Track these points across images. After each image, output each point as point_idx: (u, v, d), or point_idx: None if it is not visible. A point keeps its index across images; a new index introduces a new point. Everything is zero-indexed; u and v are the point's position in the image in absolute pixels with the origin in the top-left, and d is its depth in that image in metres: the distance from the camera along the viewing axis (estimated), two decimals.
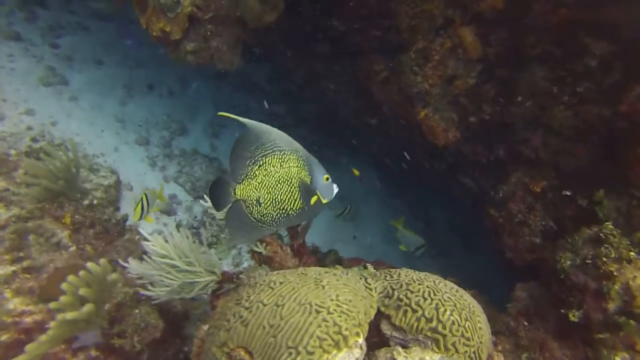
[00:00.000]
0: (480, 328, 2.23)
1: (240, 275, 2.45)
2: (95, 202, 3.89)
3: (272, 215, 1.80)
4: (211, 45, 3.25)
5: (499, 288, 4.82)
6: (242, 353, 2.01)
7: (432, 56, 3.10)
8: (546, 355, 2.38)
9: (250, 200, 1.78)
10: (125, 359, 2.67)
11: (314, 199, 1.83)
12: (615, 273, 2.25)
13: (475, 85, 3.14)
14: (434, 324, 2.11)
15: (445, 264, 5.47)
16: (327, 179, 1.84)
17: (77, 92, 4.70)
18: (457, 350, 2.09)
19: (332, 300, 2.08)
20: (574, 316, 2.30)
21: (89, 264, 2.52)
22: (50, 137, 4.15)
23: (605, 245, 2.34)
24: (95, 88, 4.88)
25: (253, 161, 1.74)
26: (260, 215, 1.80)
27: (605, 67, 2.70)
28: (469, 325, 2.18)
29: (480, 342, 2.21)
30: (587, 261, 2.34)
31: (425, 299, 2.20)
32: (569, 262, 2.42)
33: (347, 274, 2.31)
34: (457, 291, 2.34)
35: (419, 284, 2.26)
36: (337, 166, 5.69)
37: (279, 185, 1.76)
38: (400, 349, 2.05)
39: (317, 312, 2.02)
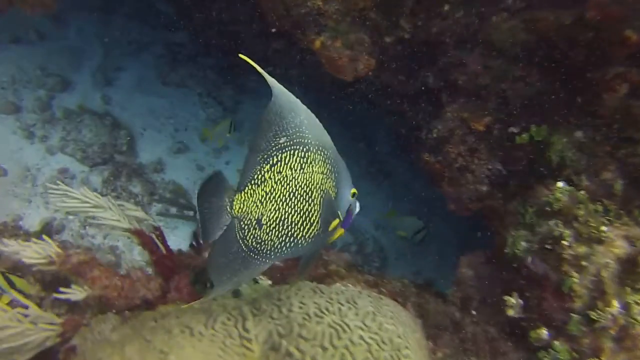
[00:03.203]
0: None
1: (75, 344, 1.66)
2: None
3: (273, 243, 1.16)
4: None
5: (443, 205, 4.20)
6: None
7: None
8: None
9: (249, 219, 1.15)
10: None
11: (334, 224, 1.21)
12: (583, 262, 1.53)
13: None
14: None
15: (392, 187, 4.78)
16: (354, 194, 1.25)
17: None
18: None
19: None
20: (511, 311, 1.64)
21: None
22: None
23: (561, 221, 1.59)
24: None
25: (265, 156, 1.13)
26: (257, 243, 1.16)
27: None
28: None
29: None
30: (547, 246, 1.60)
31: (325, 349, 1.46)
32: (523, 244, 1.69)
33: (215, 322, 1.55)
34: (374, 314, 1.61)
35: (318, 322, 1.51)
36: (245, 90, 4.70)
37: (294, 199, 1.15)
38: None
39: None
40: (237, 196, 1.15)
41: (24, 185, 3.45)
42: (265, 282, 1.86)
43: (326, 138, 1.17)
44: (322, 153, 1.16)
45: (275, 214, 1.15)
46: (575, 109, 1.90)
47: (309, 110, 1.13)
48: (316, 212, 1.17)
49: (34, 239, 1.70)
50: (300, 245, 1.19)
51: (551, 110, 1.96)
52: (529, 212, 1.71)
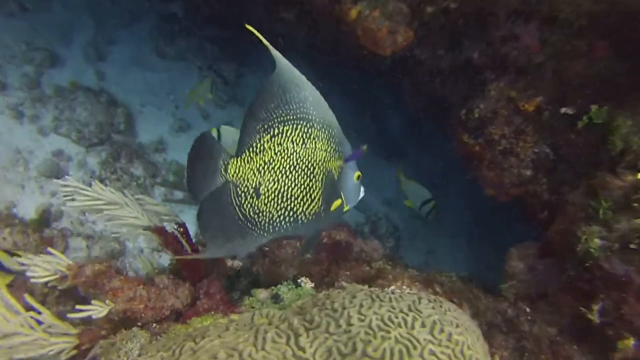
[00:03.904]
0: None
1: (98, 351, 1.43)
2: None
3: (272, 215, 1.15)
4: None
5: (457, 184, 4.03)
6: None
7: None
8: None
9: (246, 186, 1.15)
10: None
11: (336, 203, 1.20)
12: None
13: None
14: None
15: (403, 164, 4.57)
16: (359, 177, 1.24)
17: None
18: None
19: None
20: (593, 315, 1.46)
21: None
22: None
23: None
24: None
25: (266, 126, 1.12)
26: (254, 213, 1.16)
27: None
28: None
29: None
30: (632, 246, 1.42)
31: None
32: (597, 242, 1.50)
33: (264, 341, 1.34)
34: (441, 324, 1.43)
35: (384, 337, 1.32)
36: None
37: (294, 172, 1.14)
38: None
39: None
40: (232, 160, 1.14)
41: (15, 169, 3.14)
42: (308, 284, 1.65)
43: (331, 117, 1.14)
44: (327, 131, 1.14)
45: (274, 184, 1.13)
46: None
47: (314, 88, 1.11)
48: (317, 188, 1.15)
49: (40, 255, 1.46)
50: (300, 222, 1.16)
51: (616, 91, 1.75)
52: (604, 206, 1.52)
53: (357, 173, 1.23)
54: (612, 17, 1.66)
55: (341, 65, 4.05)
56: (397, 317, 1.36)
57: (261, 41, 1.05)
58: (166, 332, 1.44)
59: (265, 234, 1.18)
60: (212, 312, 1.51)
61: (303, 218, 1.17)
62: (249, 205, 1.15)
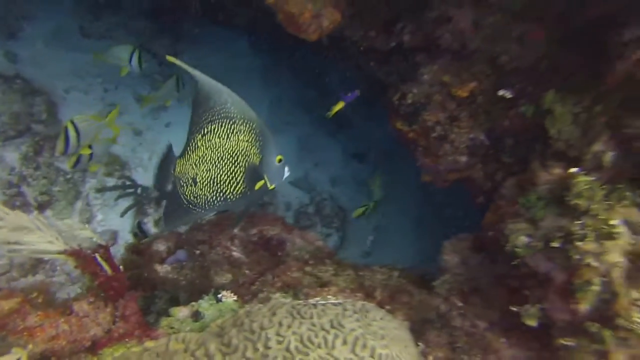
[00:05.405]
0: None
1: None
2: None
3: (207, 197, 1.44)
4: None
5: (406, 159, 3.95)
6: None
7: None
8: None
9: (186, 178, 1.43)
10: None
11: (259, 184, 1.44)
12: (592, 262, 1.29)
13: None
14: None
15: (347, 138, 4.43)
16: (280, 160, 1.45)
17: None
18: None
19: None
20: (532, 321, 1.41)
21: None
22: None
23: (577, 222, 1.32)
24: None
25: (198, 128, 1.38)
26: (194, 197, 1.44)
27: None
28: None
29: None
30: (554, 244, 1.35)
31: None
32: (523, 239, 1.43)
33: None
34: (364, 338, 1.33)
35: None
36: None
37: (221, 162, 1.40)
38: None
39: None
40: (178, 161, 1.42)
41: None
42: (230, 299, 1.51)
43: (251, 113, 1.36)
44: (247, 125, 1.36)
45: (206, 174, 1.40)
46: (582, 75, 1.60)
47: (231, 92, 1.34)
48: (241, 173, 1.40)
49: None
50: (229, 200, 1.43)
51: (550, 77, 1.65)
52: (531, 201, 1.45)
53: (279, 157, 1.43)
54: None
55: (285, 39, 3.81)
56: (317, 337, 1.25)
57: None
58: None
59: (204, 211, 1.46)
60: (127, 339, 1.34)
61: (231, 197, 1.43)
62: (190, 192, 1.43)
